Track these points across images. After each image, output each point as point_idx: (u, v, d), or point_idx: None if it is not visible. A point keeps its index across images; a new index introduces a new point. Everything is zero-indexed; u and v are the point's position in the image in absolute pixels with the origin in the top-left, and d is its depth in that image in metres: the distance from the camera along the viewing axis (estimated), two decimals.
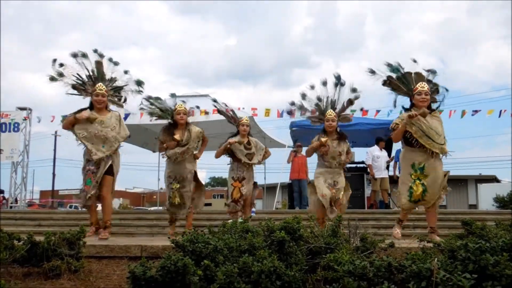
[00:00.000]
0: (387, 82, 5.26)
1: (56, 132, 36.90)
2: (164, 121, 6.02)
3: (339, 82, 5.78)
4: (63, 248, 3.48)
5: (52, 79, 5.51)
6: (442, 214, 7.99)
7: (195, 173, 5.89)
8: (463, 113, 11.01)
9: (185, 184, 5.72)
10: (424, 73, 5.16)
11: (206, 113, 6.79)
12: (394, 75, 5.22)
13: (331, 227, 3.61)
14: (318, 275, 2.99)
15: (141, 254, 3.93)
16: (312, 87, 5.88)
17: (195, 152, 5.89)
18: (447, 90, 5.24)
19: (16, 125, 12.39)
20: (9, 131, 12.32)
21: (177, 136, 5.64)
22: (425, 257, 2.67)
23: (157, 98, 6.03)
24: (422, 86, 4.97)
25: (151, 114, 6.07)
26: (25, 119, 12.63)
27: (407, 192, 4.99)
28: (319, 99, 5.82)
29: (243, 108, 11.89)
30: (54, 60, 5.53)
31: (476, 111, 11.10)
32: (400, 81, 5.18)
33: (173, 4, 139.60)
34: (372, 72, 5.33)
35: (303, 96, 5.90)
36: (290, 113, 6.37)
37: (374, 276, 2.59)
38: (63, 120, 5.45)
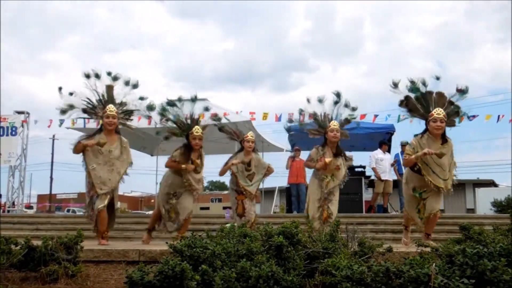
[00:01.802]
0: (404, 103, 5.13)
1: (53, 136, 36.83)
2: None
3: (339, 100, 5.76)
4: (61, 253, 3.48)
5: (63, 112, 5.54)
6: (440, 219, 7.97)
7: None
8: (461, 118, 11.01)
9: (182, 198, 5.67)
10: (448, 94, 5.04)
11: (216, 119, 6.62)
12: (413, 95, 5.08)
13: (329, 231, 3.61)
14: (316, 280, 2.99)
15: (139, 258, 3.92)
16: (308, 101, 5.85)
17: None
18: (468, 116, 5.31)
19: (14, 129, 12.37)
20: (7, 135, 12.30)
21: (196, 163, 5.62)
22: (423, 262, 2.67)
23: (173, 104, 5.82)
24: (438, 113, 4.83)
25: (167, 138, 5.88)
26: (23, 123, 12.60)
27: (415, 211, 5.07)
28: (314, 114, 5.80)
29: (241, 111, 11.88)
30: (60, 89, 5.55)
31: (474, 116, 11.08)
32: (419, 102, 5.03)
33: (171, 7, 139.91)
34: (395, 85, 5.17)
35: (301, 111, 5.91)
36: (291, 121, 6.34)
37: (372, 281, 2.59)
38: (75, 145, 5.43)
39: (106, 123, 5.37)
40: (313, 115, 5.80)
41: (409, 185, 5.09)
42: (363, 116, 11.48)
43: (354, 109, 5.82)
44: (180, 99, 5.87)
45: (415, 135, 5.08)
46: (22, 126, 12.66)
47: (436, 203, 4.98)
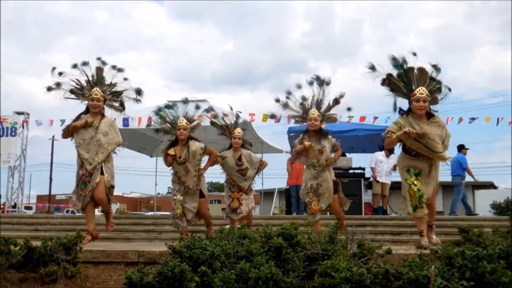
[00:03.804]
0: (386, 82, 5.06)
1: (53, 136, 36.89)
2: None
3: (321, 82, 5.74)
4: (60, 253, 3.47)
5: (49, 89, 5.55)
6: (440, 221, 7.99)
7: (201, 190, 5.88)
8: (460, 120, 11.02)
9: (187, 199, 5.74)
10: (428, 69, 4.98)
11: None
12: (395, 73, 5.00)
13: (329, 233, 3.61)
14: (315, 282, 2.99)
15: (138, 259, 3.92)
16: (299, 87, 5.84)
17: (199, 168, 5.91)
18: (450, 89, 5.07)
19: (13, 129, 12.36)
20: (7, 135, 12.29)
21: (171, 151, 5.68)
22: (422, 264, 2.67)
23: (170, 107, 6.02)
24: (421, 93, 4.79)
25: (157, 130, 6.11)
26: (23, 124, 12.59)
27: (408, 196, 4.91)
28: (303, 98, 5.79)
29: (241, 112, 11.86)
30: (53, 69, 5.56)
31: (473, 119, 11.09)
32: (401, 79, 4.97)
33: (170, 8, 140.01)
34: (373, 68, 5.09)
35: (288, 93, 5.87)
36: (273, 117, 6.31)
37: (371, 283, 2.59)
38: (63, 129, 5.46)
39: (90, 106, 5.38)
40: (302, 99, 5.81)
41: (403, 168, 5.00)
42: (362, 118, 11.49)
43: (341, 96, 5.81)
44: (186, 100, 6.06)
45: (400, 113, 5.04)
46: (22, 126, 12.65)
47: (427, 189, 4.87)
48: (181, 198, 5.70)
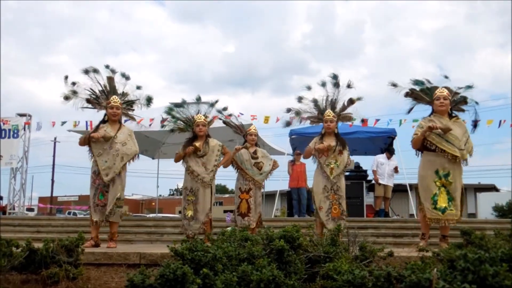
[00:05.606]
0: (409, 94, 5.16)
1: (55, 138, 36.96)
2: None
3: (336, 82, 5.66)
4: (62, 255, 3.48)
5: (67, 98, 5.57)
6: None
7: (211, 186, 5.84)
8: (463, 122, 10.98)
9: (199, 197, 5.71)
10: (454, 88, 5.08)
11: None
12: (418, 88, 5.12)
13: (330, 235, 3.61)
14: (317, 284, 2.99)
15: (140, 261, 3.92)
16: (309, 88, 5.76)
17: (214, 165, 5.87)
18: (477, 103, 5.13)
19: (15, 131, 12.37)
20: (9, 137, 12.30)
21: (197, 143, 5.68)
22: (425, 267, 2.66)
23: (180, 105, 6.01)
24: (441, 91, 4.89)
25: (172, 130, 6.10)
26: (25, 125, 12.60)
27: (431, 200, 4.80)
28: (315, 100, 5.71)
29: (242, 114, 11.86)
30: (66, 77, 5.57)
31: (476, 121, 11.05)
32: (423, 92, 5.07)
33: (172, 10, 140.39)
34: (394, 85, 5.21)
35: (299, 99, 5.78)
36: (289, 124, 6.20)
37: (373, 286, 2.59)
38: (81, 138, 5.51)
39: (110, 114, 5.42)
40: (313, 101, 5.73)
41: (429, 170, 4.85)
42: (365, 121, 11.48)
43: (349, 85, 5.68)
44: (182, 105, 6.02)
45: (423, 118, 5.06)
46: (24, 128, 12.66)
47: (455, 192, 4.79)
48: (194, 198, 5.68)
